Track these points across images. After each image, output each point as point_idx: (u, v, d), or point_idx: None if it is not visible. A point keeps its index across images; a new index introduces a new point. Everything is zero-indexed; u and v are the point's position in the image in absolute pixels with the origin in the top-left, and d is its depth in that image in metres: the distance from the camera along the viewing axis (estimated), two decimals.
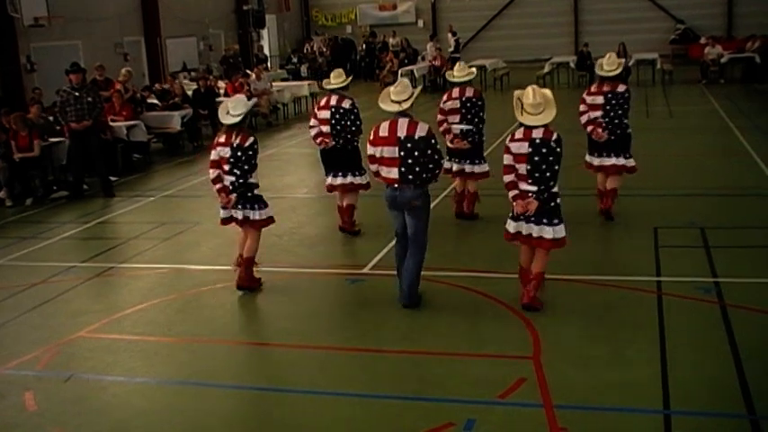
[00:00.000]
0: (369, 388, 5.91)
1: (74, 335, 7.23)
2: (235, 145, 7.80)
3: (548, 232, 6.95)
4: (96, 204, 12.75)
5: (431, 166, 7.18)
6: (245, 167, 7.81)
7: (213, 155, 7.98)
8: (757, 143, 14.14)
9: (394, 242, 7.79)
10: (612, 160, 9.64)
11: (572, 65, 25.89)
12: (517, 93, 7.06)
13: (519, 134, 6.95)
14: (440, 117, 9.98)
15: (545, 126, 6.87)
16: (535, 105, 6.85)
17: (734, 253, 8.50)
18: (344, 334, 7.01)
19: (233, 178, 7.85)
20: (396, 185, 7.23)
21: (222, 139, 7.92)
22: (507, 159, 6.99)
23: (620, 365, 6.00)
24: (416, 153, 7.10)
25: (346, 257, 9.23)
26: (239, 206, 7.95)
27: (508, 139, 7.06)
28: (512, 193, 7.01)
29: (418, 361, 6.32)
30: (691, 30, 32.03)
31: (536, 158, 6.81)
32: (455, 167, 10.04)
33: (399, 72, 25.19)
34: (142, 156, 16.36)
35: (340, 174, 9.75)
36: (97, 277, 8.96)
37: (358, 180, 9.79)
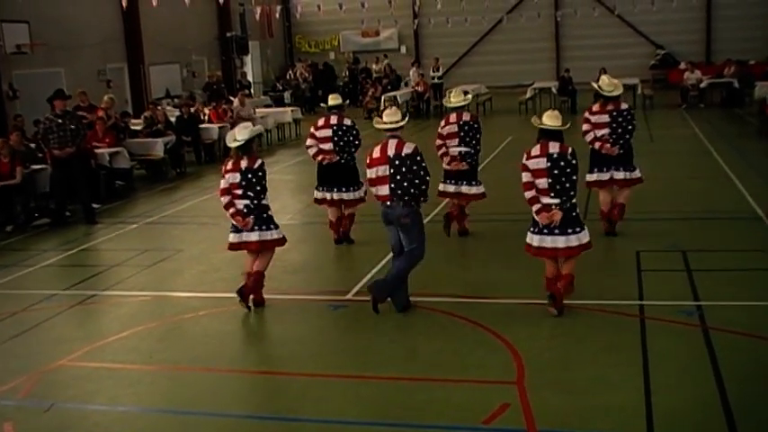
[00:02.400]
0: (351, 414, 5.88)
1: (55, 363, 7.16)
2: (244, 168, 8.00)
3: (573, 240, 7.35)
4: (79, 231, 12.68)
5: (417, 182, 7.58)
6: (258, 188, 8.05)
7: (223, 183, 8.13)
8: (737, 167, 14.27)
9: (390, 256, 8.09)
10: (622, 174, 10.01)
11: (554, 90, 26.09)
12: (535, 118, 7.68)
13: (535, 151, 7.35)
14: (438, 142, 10.33)
15: (561, 141, 7.30)
16: (554, 117, 7.45)
17: (716, 276, 8.54)
18: (327, 360, 6.98)
19: (247, 201, 8.04)
20: (387, 203, 7.67)
21: (230, 166, 8.10)
22: (526, 177, 7.37)
23: (604, 390, 6.00)
24: (404, 169, 7.60)
25: (330, 284, 9.22)
26: (254, 228, 8.11)
27: (524, 158, 7.42)
28: (535, 208, 7.36)
29: (401, 387, 6.30)
30: (670, 55, 32.40)
31: (555, 172, 7.21)
32: (452, 189, 10.37)
33: (382, 98, 25.30)
34: (125, 182, 16.31)
35: (342, 188, 10.28)
36: (79, 305, 8.90)
37: (354, 195, 10.37)
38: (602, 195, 10.20)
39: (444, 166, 10.34)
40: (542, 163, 7.28)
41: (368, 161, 7.85)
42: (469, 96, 10.62)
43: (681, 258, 9.11)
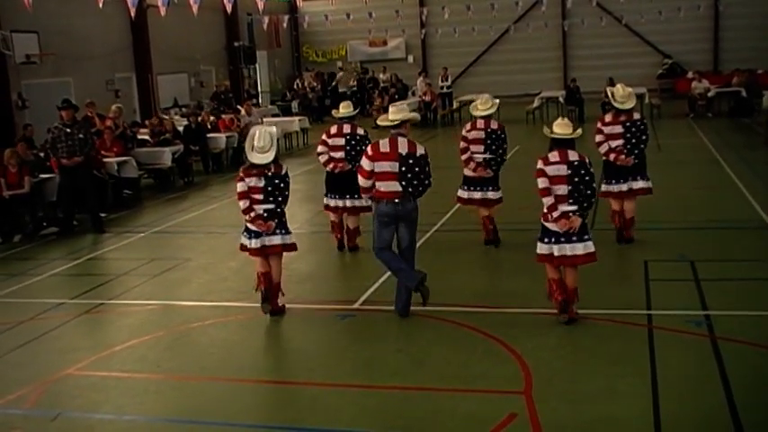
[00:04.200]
0: (358, 424, 5.86)
1: (62, 372, 7.16)
2: (270, 174, 8.03)
3: (579, 249, 7.36)
4: (86, 240, 12.71)
5: (426, 182, 7.83)
6: (286, 194, 8.15)
7: (241, 186, 8.10)
8: (745, 176, 14.23)
9: (377, 251, 8.09)
10: (641, 183, 10.03)
11: (561, 99, 26.08)
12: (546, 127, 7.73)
13: (554, 157, 7.37)
14: (463, 145, 10.32)
15: (574, 149, 7.40)
16: (564, 125, 7.50)
17: (724, 286, 8.51)
18: (334, 370, 6.97)
19: (271, 206, 8.07)
20: (396, 199, 7.71)
21: (252, 170, 8.09)
22: (544, 183, 7.38)
23: (612, 400, 5.97)
24: (417, 169, 7.73)
25: (336, 293, 9.21)
26: (276, 232, 8.17)
27: (541, 164, 7.42)
28: (555, 214, 7.32)
29: (408, 397, 6.28)
30: (678, 64, 32.39)
31: (576, 179, 7.26)
32: (479, 195, 10.38)
33: (390, 107, 25.30)
34: (133, 192, 16.36)
35: (354, 195, 10.23)
36: (86, 314, 8.91)
37: (364, 202, 10.29)
38: (618, 205, 10.17)
39: (467, 171, 10.34)
40: (563, 170, 7.29)
41: (370, 153, 7.82)
42: (497, 102, 10.60)
43: (689, 268, 9.08)
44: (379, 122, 8.13)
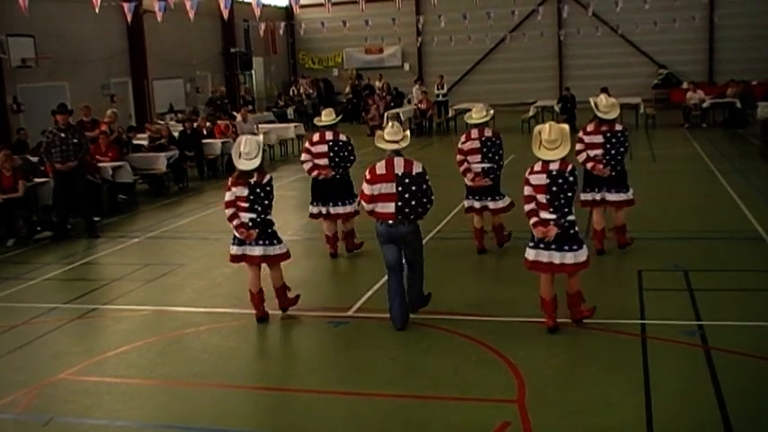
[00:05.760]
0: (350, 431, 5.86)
1: (54, 377, 7.14)
2: (252, 183, 8.04)
3: (569, 258, 7.38)
4: (80, 245, 12.69)
5: (425, 200, 7.75)
6: (265, 203, 8.12)
7: (228, 195, 8.16)
8: (739, 187, 14.27)
9: (386, 276, 8.08)
10: (614, 195, 9.99)
11: (557, 108, 26.13)
12: (537, 128, 7.57)
13: (537, 167, 7.44)
14: (459, 157, 10.33)
15: (562, 158, 7.34)
16: (551, 141, 7.35)
17: (717, 296, 8.52)
18: (327, 377, 6.96)
19: (253, 215, 8.09)
20: (390, 221, 7.67)
21: (237, 179, 8.13)
22: (527, 190, 7.48)
23: (605, 410, 5.97)
24: (414, 188, 7.66)
25: (330, 300, 9.20)
26: (259, 242, 8.16)
27: (527, 172, 7.51)
28: (532, 221, 7.42)
29: (401, 405, 6.28)
30: (673, 75, 32.50)
31: (554, 188, 7.31)
32: (477, 205, 10.41)
33: (385, 115, 25.35)
34: (127, 196, 16.34)
35: (338, 203, 10.48)
36: (79, 319, 8.88)
37: (349, 209, 10.56)
38: (595, 215, 10.18)
39: (467, 182, 10.34)
40: (543, 179, 7.36)
41: (368, 177, 7.76)
42: (492, 112, 10.60)
43: (683, 278, 9.10)
44: (377, 144, 8.03)
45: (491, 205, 10.36)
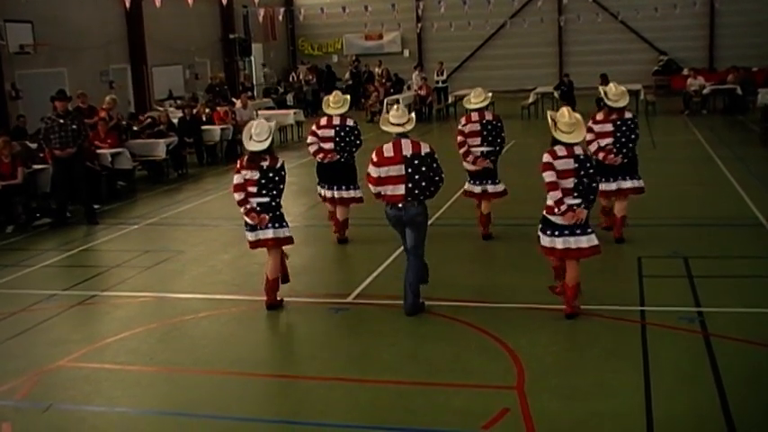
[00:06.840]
0: (350, 419, 5.86)
1: (54, 364, 7.14)
2: (265, 167, 7.98)
3: (584, 242, 7.42)
4: (79, 232, 12.67)
5: (436, 179, 7.76)
6: (280, 187, 8.10)
7: (237, 178, 8.07)
8: (739, 173, 14.25)
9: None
10: (629, 183, 9.99)
11: (556, 95, 26.07)
12: (551, 113, 7.56)
13: (561, 152, 7.34)
14: (460, 139, 10.30)
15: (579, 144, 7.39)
16: (570, 125, 7.32)
17: (717, 283, 8.52)
18: (327, 363, 6.96)
19: (265, 199, 8.04)
20: (400, 204, 7.67)
21: (247, 163, 8.04)
22: (551, 176, 7.34)
23: (604, 396, 5.98)
24: (424, 168, 7.65)
25: (330, 287, 9.20)
26: (269, 225, 8.09)
27: (549, 157, 7.35)
28: (562, 208, 7.31)
29: (401, 391, 6.27)
30: (673, 61, 32.42)
31: (582, 173, 7.30)
32: (478, 189, 10.39)
33: (385, 101, 25.30)
34: (126, 183, 16.32)
35: (342, 187, 10.51)
36: (79, 305, 8.88)
37: (353, 194, 10.57)
38: (617, 204, 10.15)
39: (468, 166, 10.33)
40: (570, 164, 7.31)
41: (376, 159, 7.72)
42: (490, 95, 10.58)
43: (682, 264, 9.09)
44: (382, 127, 7.99)
45: (490, 189, 10.35)
